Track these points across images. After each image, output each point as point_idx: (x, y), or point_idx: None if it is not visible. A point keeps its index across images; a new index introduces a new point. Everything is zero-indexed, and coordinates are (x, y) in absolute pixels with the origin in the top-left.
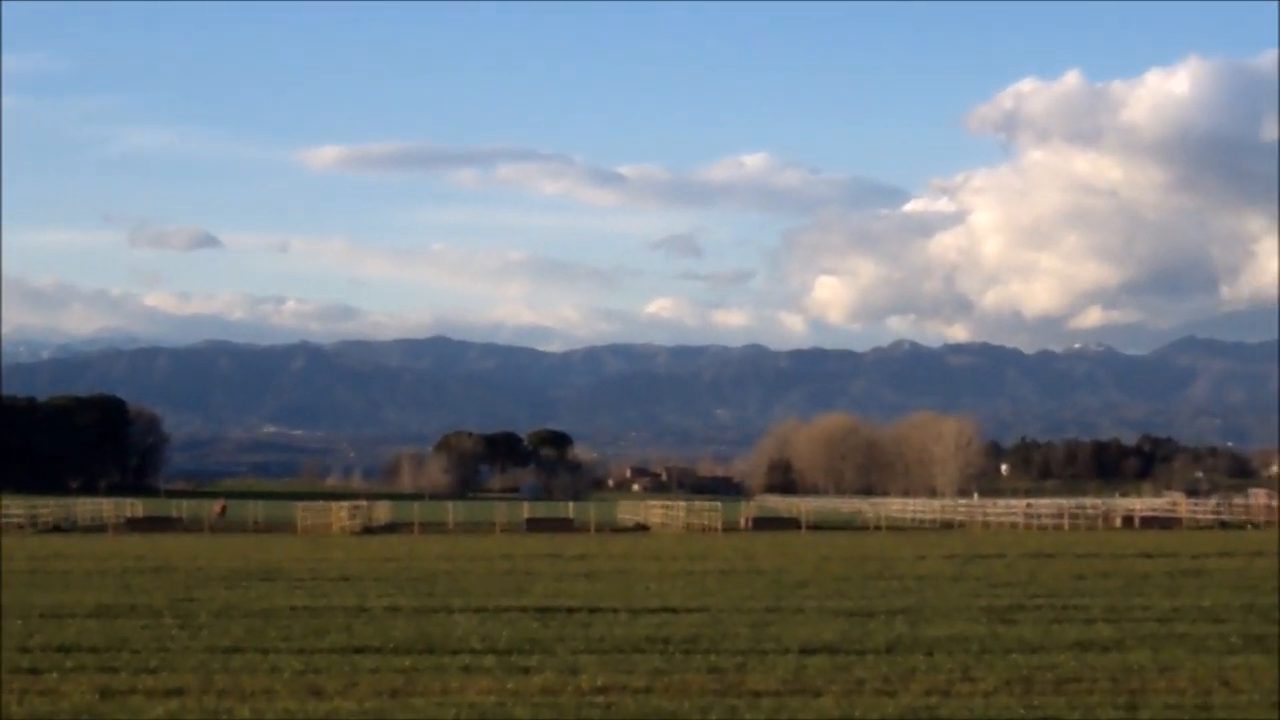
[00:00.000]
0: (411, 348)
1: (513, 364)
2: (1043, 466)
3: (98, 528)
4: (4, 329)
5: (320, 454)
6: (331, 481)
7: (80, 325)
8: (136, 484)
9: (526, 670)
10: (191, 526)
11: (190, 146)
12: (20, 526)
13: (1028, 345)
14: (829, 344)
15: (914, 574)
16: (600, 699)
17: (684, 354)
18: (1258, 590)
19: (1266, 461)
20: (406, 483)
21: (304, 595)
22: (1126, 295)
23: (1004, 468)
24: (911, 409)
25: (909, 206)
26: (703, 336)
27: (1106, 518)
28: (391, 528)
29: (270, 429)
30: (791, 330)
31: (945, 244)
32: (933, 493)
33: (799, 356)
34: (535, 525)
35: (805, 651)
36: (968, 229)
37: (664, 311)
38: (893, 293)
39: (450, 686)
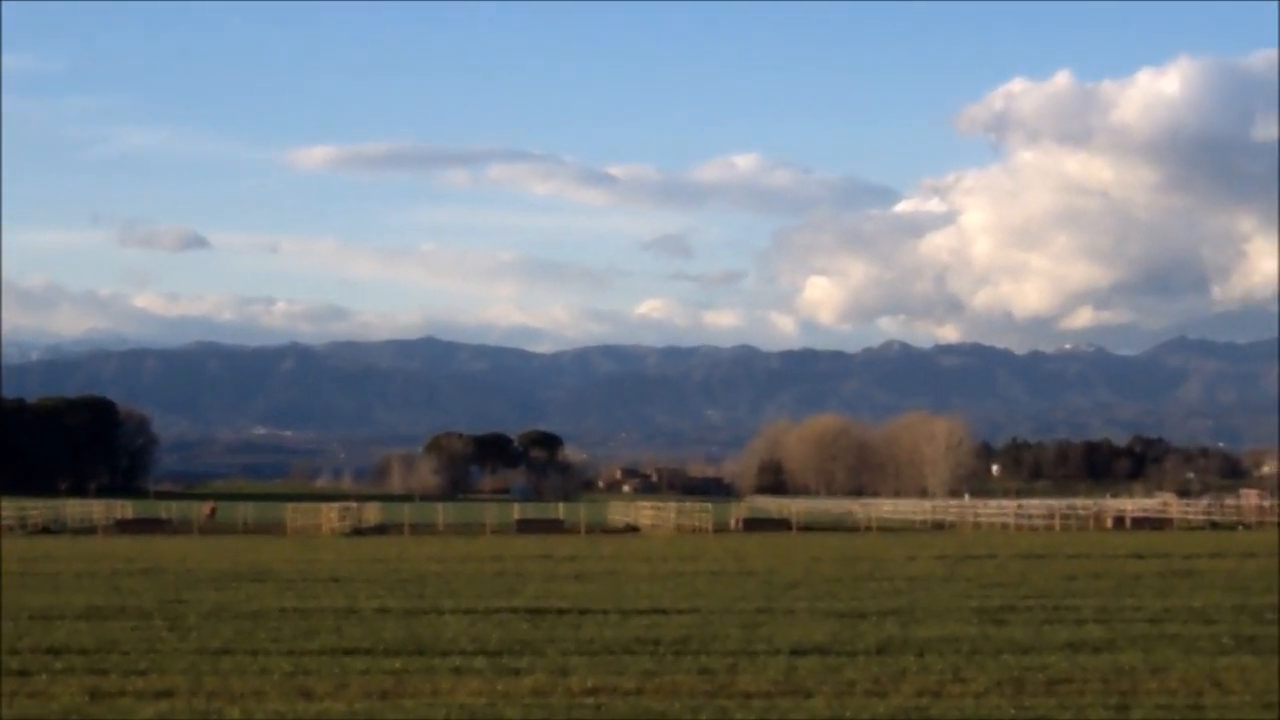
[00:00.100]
0: (402, 349)
1: (503, 365)
2: (1034, 467)
3: (87, 529)
4: None
5: (310, 455)
6: (321, 483)
7: (69, 326)
8: (126, 485)
9: (517, 672)
10: (181, 528)
11: (180, 147)
12: (10, 528)
13: (1019, 346)
14: (820, 344)
15: (905, 575)
16: (591, 700)
17: (674, 355)
18: (1249, 591)
19: (1258, 462)
20: (396, 484)
21: (294, 597)
22: (1117, 296)
23: (995, 468)
24: (902, 410)
25: (900, 207)
26: (693, 337)
27: (1098, 518)
28: (381, 529)
29: (260, 430)
30: (782, 331)
31: (936, 244)
32: (924, 493)
33: (790, 357)
34: (525, 526)
35: (796, 653)
36: (958, 229)
37: (654, 312)
38: (883, 293)
39: (440, 688)
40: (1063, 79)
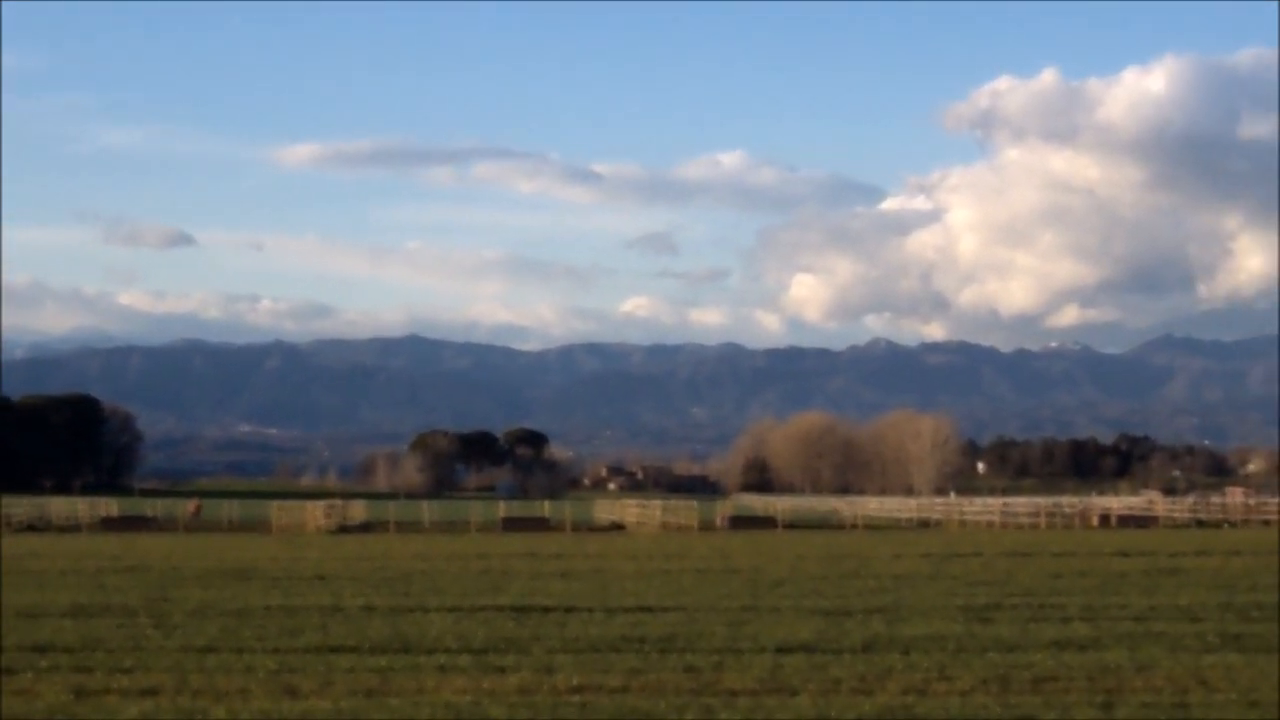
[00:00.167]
0: (387, 346)
1: (488, 363)
2: (1019, 465)
3: (72, 527)
4: None
5: (295, 453)
6: (306, 481)
7: (54, 324)
8: (111, 483)
9: (502, 670)
10: (166, 526)
11: (165, 144)
12: None
13: (1004, 344)
14: (805, 342)
15: (890, 573)
16: (576, 698)
17: (660, 353)
18: (1234, 589)
19: (1243, 460)
20: (382, 482)
21: (279, 594)
22: (1103, 294)
23: (981, 466)
24: (888, 408)
25: (886, 204)
26: (679, 335)
27: (1083, 516)
28: (366, 527)
29: (245, 428)
30: (768, 329)
31: (922, 242)
32: (909, 491)
33: (775, 355)
34: (511, 524)
35: (781, 650)
36: (944, 227)
37: (640, 310)
38: (869, 291)
39: (426, 686)
40: (1049, 77)
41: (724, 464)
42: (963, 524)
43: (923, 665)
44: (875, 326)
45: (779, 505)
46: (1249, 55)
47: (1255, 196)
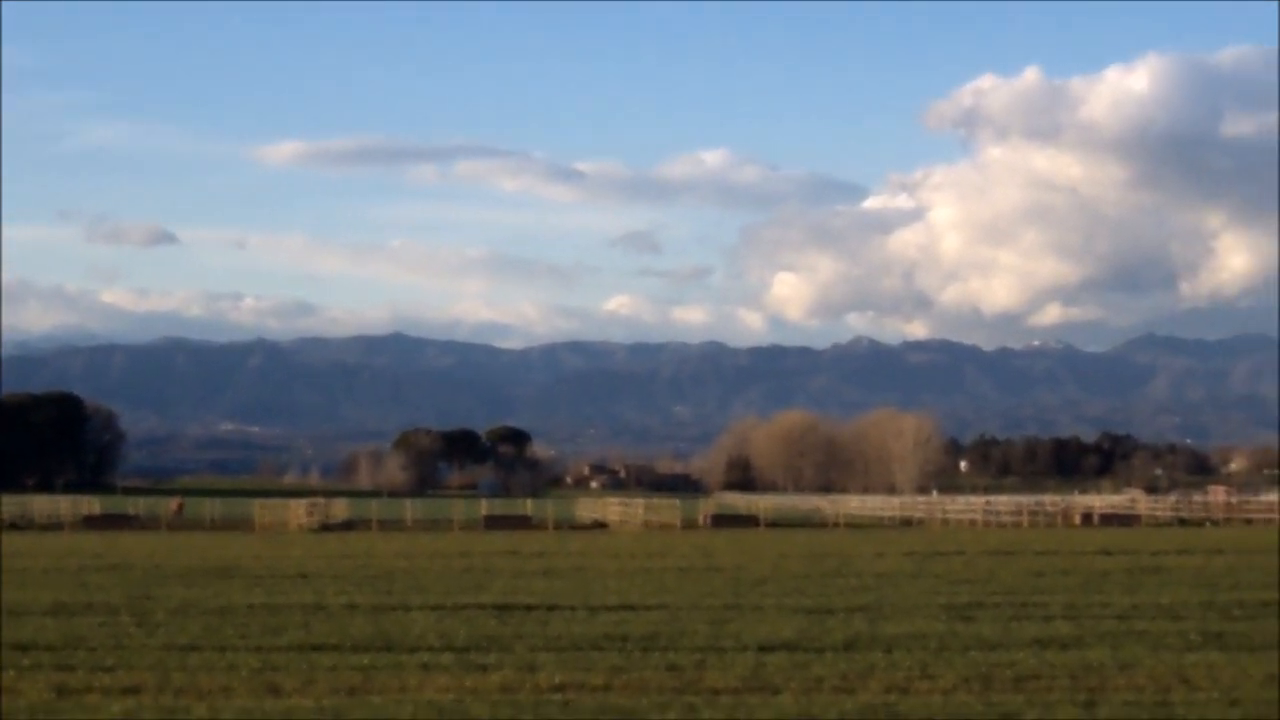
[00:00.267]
0: (370, 344)
1: (471, 361)
2: (1002, 464)
3: (54, 525)
4: None
5: (278, 451)
6: (289, 479)
7: (36, 322)
8: (93, 481)
9: (484, 668)
10: (148, 524)
11: (148, 142)
12: None
13: (987, 342)
14: (788, 341)
15: (873, 571)
16: (558, 696)
17: (642, 351)
18: (1217, 587)
19: (1225, 459)
20: (364, 480)
21: (261, 593)
22: (1086, 292)
23: (963, 465)
24: (870, 406)
25: (868, 203)
26: (661, 333)
27: (1065, 515)
28: (349, 525)
29: (227, 426)
30: (750, 327)
31: (904, 240)
32: (892, 490)
33: (758, 353)
34: (493, 523)
35: (764, 649)
36: (927, 225)
37: (623, 308)
38: (852, 289)
39: (408, 684)
40: (1031, 75)
41: (706, 462)
42: (945, 522)
43: (905, 663)
44: (858, 325)
45: (761, 504)
46: (1232, 54)
47: (1238, 195)
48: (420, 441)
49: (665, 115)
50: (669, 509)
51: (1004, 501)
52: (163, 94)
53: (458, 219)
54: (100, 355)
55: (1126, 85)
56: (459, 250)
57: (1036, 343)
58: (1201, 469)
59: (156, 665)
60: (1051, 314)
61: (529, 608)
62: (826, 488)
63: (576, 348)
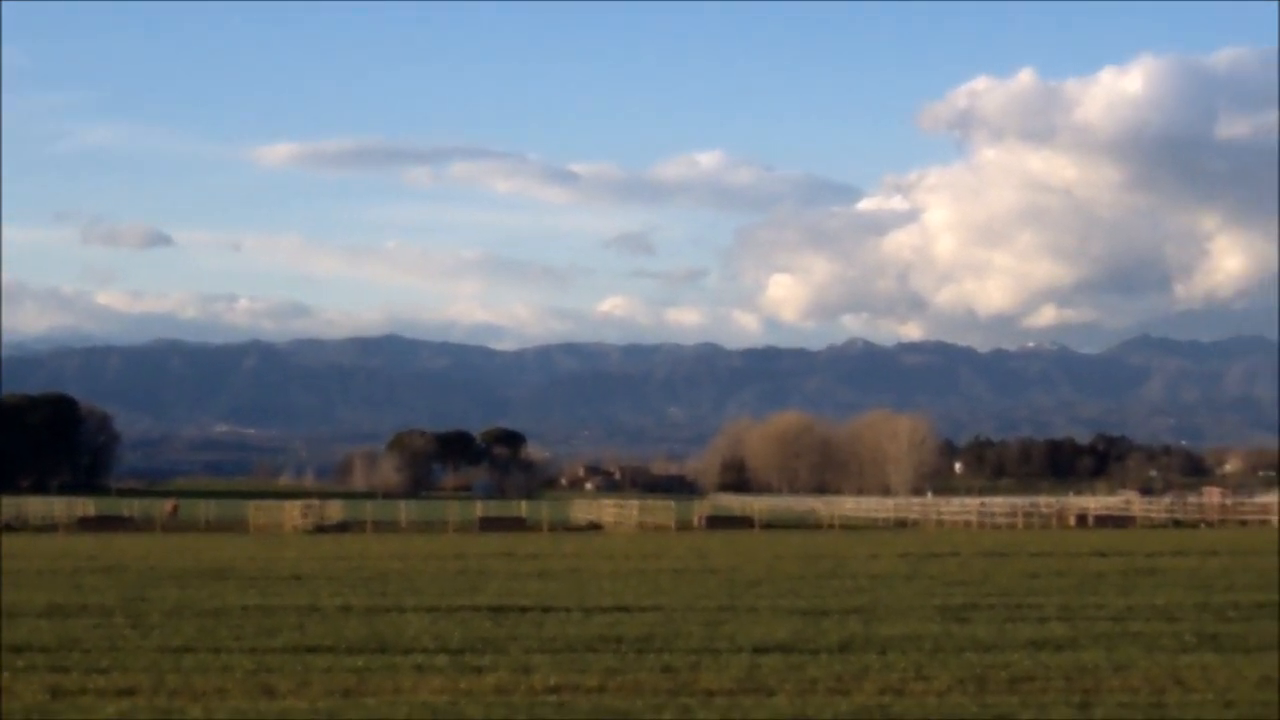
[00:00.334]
0: (364, 346)
1: (465, 362)
2: (997, 465)
3: (49, 527)
4: None
5: (272, 453)
6: (284, 480)
7: (31, 323)
8: (88, 483)
9: (479, 670)
10: (143, 525)
11: (143, 144)
12: None
13: (981, 344)
14: (782, 342)
15: (867, 573)
16: (553, 698)
17: (637, 352)
18: (1211, 589)
19: (1220, 460)
20: (359, 481)
21: (256, 594)
22: (1080, 294)
23: (958, 466)
24: (865, 407)
25: (863, 204)
26: (656, 335)
27: (1060, 516)
28: (344, 527)
29: (222, 428)
30: (745, 328)
31: (899, 242)
32: (886, 491)
33: (752, 355)
34: (488, 524)
35: (758, 650)
36: (921, 227)
37: (617, 310)
38: (846, 291)
39: (403, 686)
40: (1026, 77)
41: (701, 464)
42: (940, 524)
43: (900, 665)
44: (852, 326)
45: (756, 505)
46: (1226, 55)
47: (1233, 197)
48: (415, 443)
49: (660, 117)
50: (664, 510)
51: (999, 503)
52: (158, 96)
53: (452, 221)
54: (95, 357)
55: (1121, 87)
56: (454, 252)
57: (1031, 344)
58: (1196, 470)
59: (151, 667)
60: (1046, 316)
61: (524, 609)
62: (821, 489)
63: (571, 349)
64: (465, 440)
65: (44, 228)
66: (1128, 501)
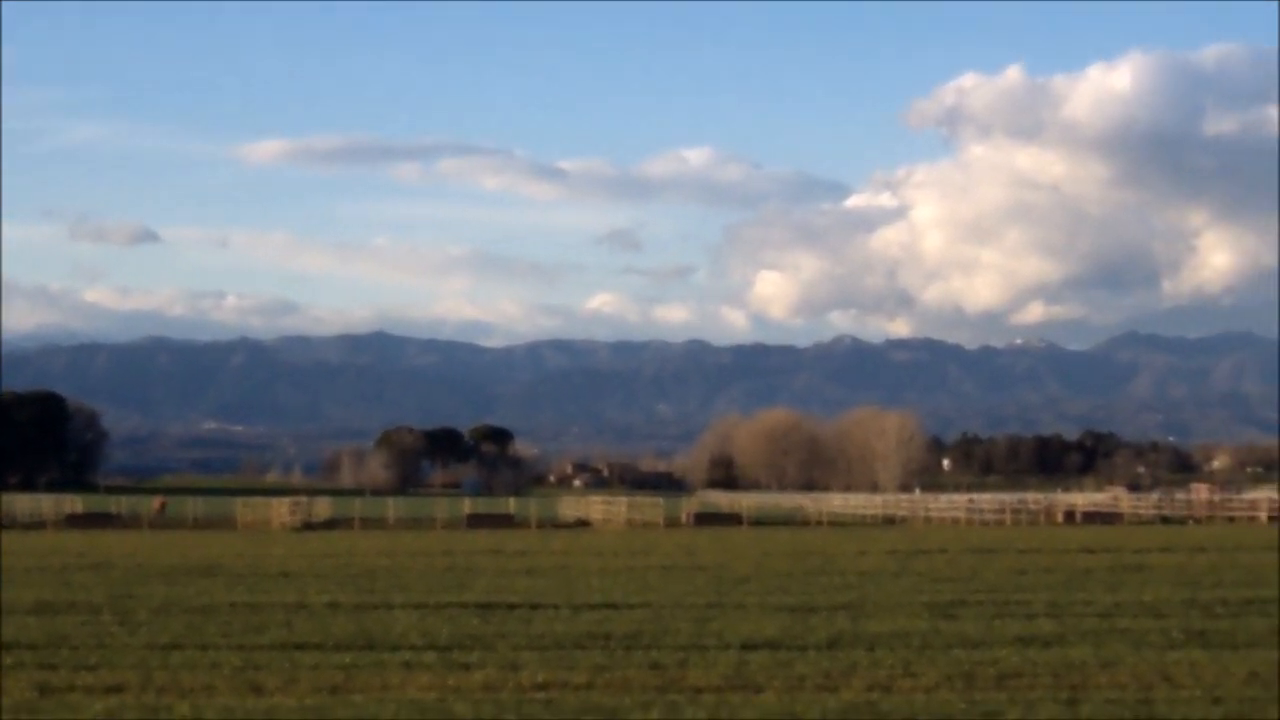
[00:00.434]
0: (352, 343)
1: (454, 359)
2: (984, 462)
3: (36, 524)
4: None
5: (260, 450)
6: (272, 477)
7: (19, 320)
8: (76, 480)
9: (467, 666)
10: (131, 523)
11: (130, 141)
12: None
13: (969, 340)
14: (771, 339)
15: (855, 569)
16: (541, 695)
17: (625, 349)
18: (1199, 585)
19: (1208, 456)
20: (347, 478)
21: (244, 591)
22: (1068, 290)
23: (946, 463)
24: (853, 404)
25: (851, 201)
26: (644, 332)
27: (1048, 513)
28: (332, 524)
29: (210, 425)
30: (733, 325)
31: (887, 239)
32: (874, 488)
33: (740, 352)
34: (476, 521)
35: (747, 647)
36: (909, 224)
37: (605, 306)
38: (835, 288)
39: (390, 683)
40: (1014, 74)
41: (689, 461)
42: (928, 521)
43: (887, 662)
44: (840, 323)
45: (744, 502)
46: (1214, 52)
47: (1220, 193)
48: (403, 440)
49: (648, 113)
50: (652, 507)
51: (987, 499)
52: (145, 92)
53: (441, 217)
54: (83, 354)
55: (1109, 83)
56: (442, 248)
57: (1019, 341)
58: (1184, 467)
59: (139, 664)
60: (1034, 312)
61: (512, 606)
62: (809, 486)
63: (559, 346)
64: (453, 437)
65: (31, 224)
66: (1115, 498)
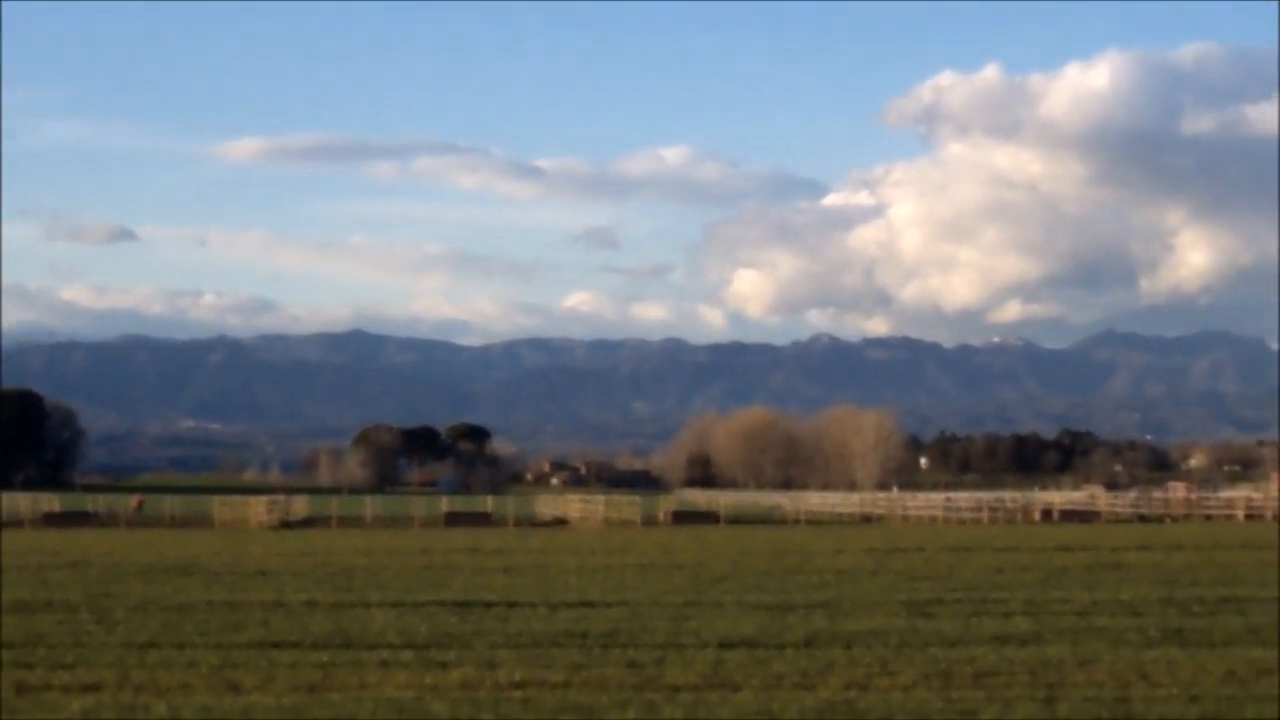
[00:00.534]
0: (330, 341)
1: (431, 358)
2: (962, 460)
3: (13, 523)
4: None
5: (238, 448)
6: (249, 476)
7: None
8: (53, 479)
9: (444, 665)
10: (108, 521)
11: (107, 139)
12: None
13: (947, 339)
14: (748, 337)
15: (833, 568)
16: (518, 693)
17: (602, 347)
18: (1176, 584)
19: (1185, 455)
20: (324, 477)
21: (221, 590)
22: (1046, 289)
23: (923, 461)
24: (830, 402)
25: (828, 200)
26: (621, 330)
27: (1025, 511)
28: (309, 522)
29: (188, 423)
30: (710, 324)
31: (865, 237)
32: (852, 486)
33: (718, 350)
34: (453, 519)
35: (724, 645)
36: (887, 222)
37: (583, 305)
38: (812, 286)
39: (368, 681)
40: (991, 72)
41: (666, 459)
42: (905, 519)
43: (865, 660)
44: (818, 321)
45: (722, 500)
46: (1191, 51)
47: (1197, 192)
48: (380, 438)
49: (625, 112)
50: (629, 506)
51: (964, 498)
52: (122, 91)
53: (417, 216)
54: (60, 352)
55: (1086, 82)
56: (419, 247)
57: (997, 339)
58: (1161, 465)
59: (116, 663)
60: (1012, 311)
61: (489, 605)
62: (787, 484)
63: (536, 344)
64: (431, 436)
65: (8, 223)
66: (1093, 496)
